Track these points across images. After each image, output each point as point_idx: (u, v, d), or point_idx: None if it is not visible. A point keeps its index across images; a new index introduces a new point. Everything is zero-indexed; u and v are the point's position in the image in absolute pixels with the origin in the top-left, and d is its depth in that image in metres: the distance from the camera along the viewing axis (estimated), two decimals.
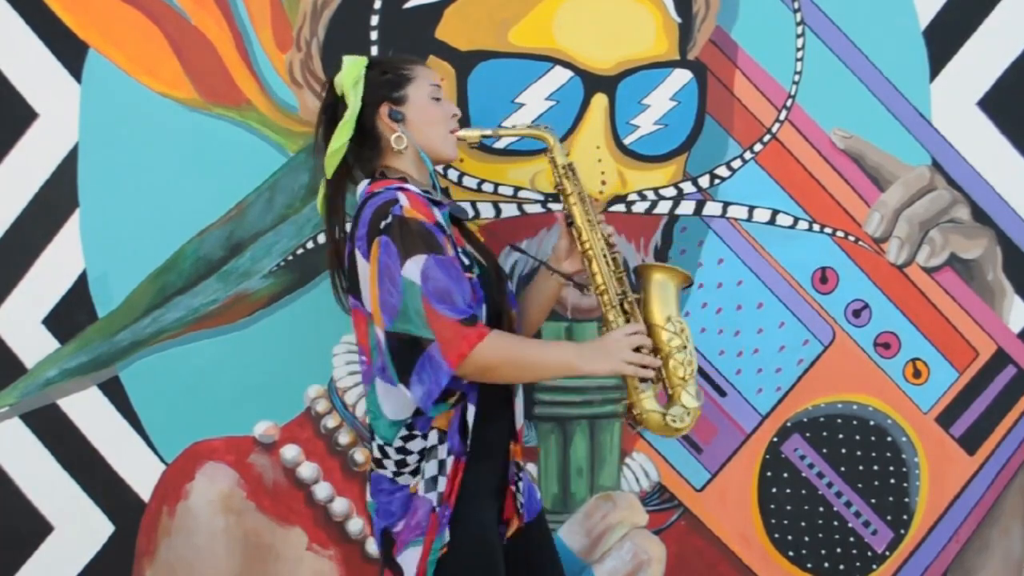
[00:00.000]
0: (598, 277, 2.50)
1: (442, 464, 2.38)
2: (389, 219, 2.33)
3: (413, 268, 2.29)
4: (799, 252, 3.01)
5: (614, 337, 2.40)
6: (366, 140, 2.50)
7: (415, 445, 2.40)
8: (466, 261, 2.41)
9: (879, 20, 2.97)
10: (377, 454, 2.45)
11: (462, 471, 2.39)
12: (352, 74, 2.50)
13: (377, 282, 2.33)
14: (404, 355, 2.31)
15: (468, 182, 2.96)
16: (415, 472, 2.40)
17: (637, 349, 2.39)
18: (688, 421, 2.46)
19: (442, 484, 2.37)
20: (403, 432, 2.40)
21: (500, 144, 2.91)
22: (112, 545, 3.06)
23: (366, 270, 2.36)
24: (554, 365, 2.37)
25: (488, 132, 2.56)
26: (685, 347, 2.47)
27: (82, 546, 3.06)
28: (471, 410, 2.39)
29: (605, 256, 2.51)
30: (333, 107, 2.54)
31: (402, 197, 2.37)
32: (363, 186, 2.48)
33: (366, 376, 2.45)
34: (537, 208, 2.96)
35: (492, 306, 2.42)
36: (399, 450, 2.41)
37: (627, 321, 2.47)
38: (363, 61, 2.52)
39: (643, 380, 2.42)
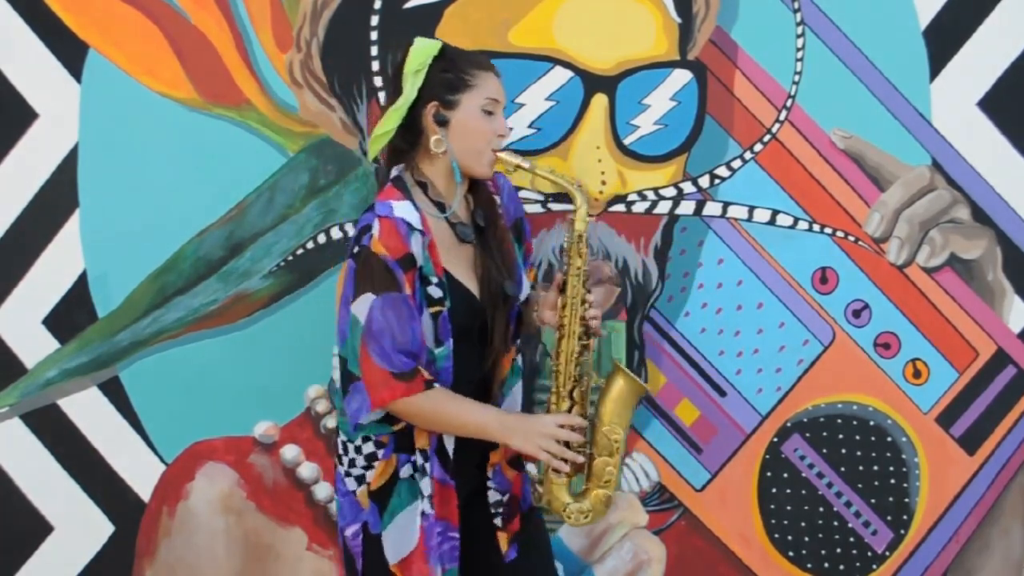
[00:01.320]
0: (561, 357, 2.46)
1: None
2: (357, 249, 2.34)
3: (361, 307, 2.32)
4: (799, 252, 3.01)
5: (544, 422, 2.39)
6: (408, 131, 2.42)
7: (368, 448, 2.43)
8: (436, 294, 2.36)
9: (879, 20, 2.97)
10: (340, 450, 2.47)
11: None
12: (416, 61, 2.40)
13: (339, 304, 2.38)
14: (343, 376, 2.39)
15: None
16: (360, 480, 2.42)
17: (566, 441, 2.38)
18: (584, 521, 2.46)
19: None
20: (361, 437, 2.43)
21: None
22: (112, 545, 3.06)
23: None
24: (473, 430, 2.37)
25: (525, 165, 2.42)
26: (613, 456, 2.45)
27: (82, 546, 3.07)
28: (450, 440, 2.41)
29: (577, 339, 2.46)
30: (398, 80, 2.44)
31: (376, 227, 2.33)
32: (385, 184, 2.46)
33: None
34: (537, 208, 2.96)
35: (466, 334, 2.39)
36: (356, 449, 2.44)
37: (570, 409, 2.45)
38: (433, 49, 2.41)
39: (556, 471, 2.40)
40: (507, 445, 2.38)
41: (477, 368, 2.44)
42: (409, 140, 2.43)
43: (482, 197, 2.50)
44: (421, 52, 2.40)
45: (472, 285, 2.43)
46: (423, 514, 2.37)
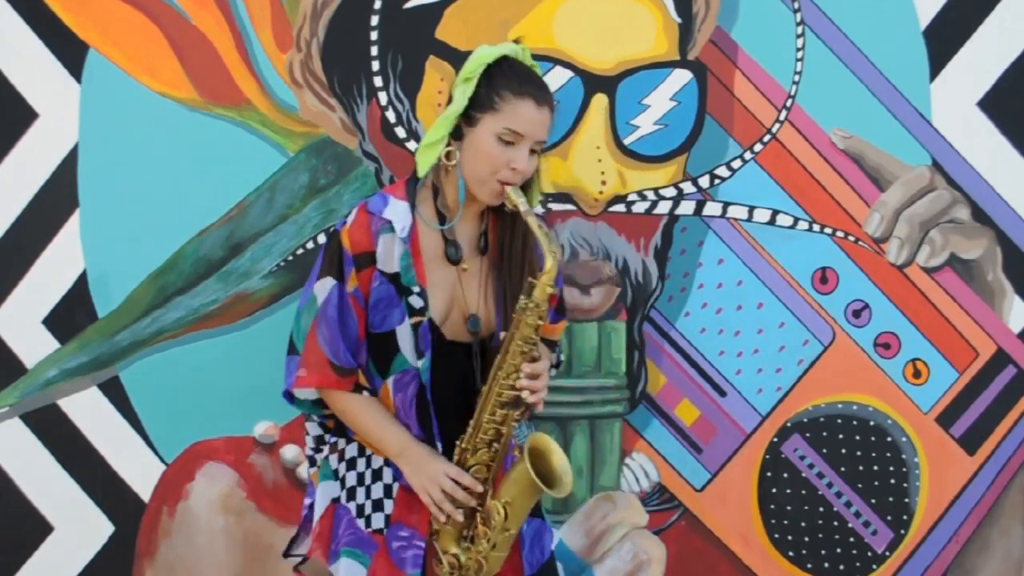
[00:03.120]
0: (482, 414, 2.32)
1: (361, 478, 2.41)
2: (333, 229, 2.37)
3: (321, 287, 2.35)
4: (799, 252, 3.01)
5: (436, 467, 2.31)
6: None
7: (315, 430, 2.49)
8: (417, 304, 2.33)
9: (879, 20, 2.97)
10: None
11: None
12: (469, 68, 2.33)
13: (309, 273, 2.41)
14: (289, 344, 2.44)
15: None
16: (312, 462, 2.46)
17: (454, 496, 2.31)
18: (446, 572, 2.35)
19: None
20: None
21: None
22: (112, 545, 3.06)
23: None
24: (377, 445, 2.37)
25: (521, 208, 2.29)
26: (493, 531, 2.31)
27: (82, 546, 3.06)
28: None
29: (499, 405, 2.32)
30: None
31: (353, 215, 2.34)
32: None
33: None
34: (537, 208, 2.96)
35: (445, 355, 2.35)
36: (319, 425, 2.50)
37: (470, 468, 2.33)
38: (488, 58, 2.32)
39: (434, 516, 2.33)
40: (403, 471, 2.34)
41: (460, 388, 2.38)
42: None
43: (506, 226, 2.42)
44: (476, 60, 2.33)
45: (440, 305, 2.37)
46: (336, 499, 2.39)
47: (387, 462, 2.38)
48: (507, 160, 2.30)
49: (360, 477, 2.40)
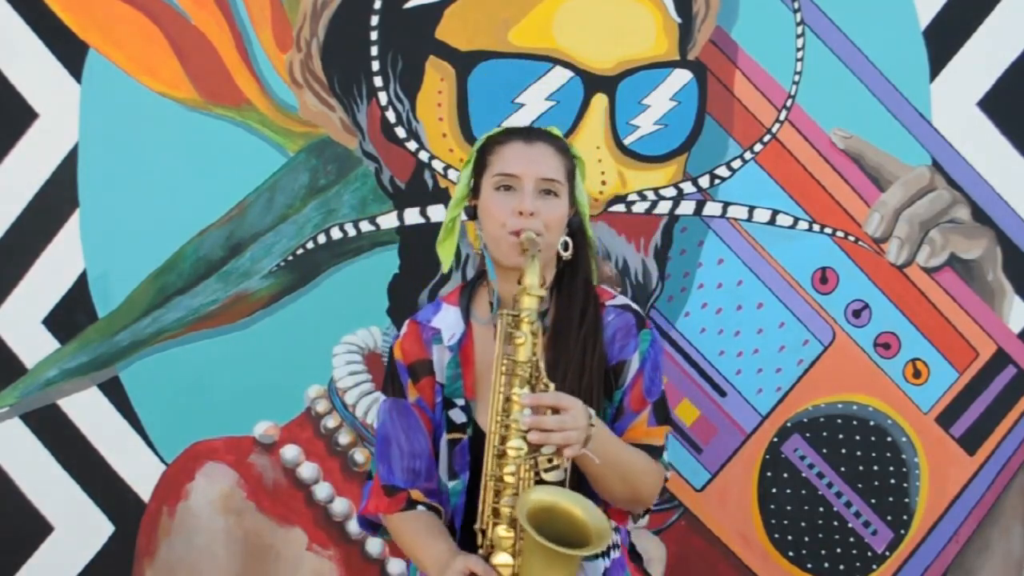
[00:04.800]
0: (487, 481, 2.01)
1: None
2: (390, 347, 2.23)
3: (382, 407, 2.21)
4: (799, 252, 3.01)
5: (455, 568, 1.97)
6: None
7: None
8: (459, 419, 2.13)
9: (879, 20, 2.97)
10: None
11: None
12: (470, 153, 2.21)
13: None
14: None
15: None
16: None
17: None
18: None
19: None
20: None
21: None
22: (112, 545, 3.06)
23: None
24: (422, 569, 2.10)
25: (528, 250, 2.05)
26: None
27: (82, 546, 3.06)
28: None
29: (498, 444, 2.01)
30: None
31: (404, 329, 2.20)
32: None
33: None
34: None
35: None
36: None
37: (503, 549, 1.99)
38: (483, 137, 2.18)
39: None
40: None
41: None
42: None
43: (570, 310, 2.14)
44: (477, 143, 2.21)
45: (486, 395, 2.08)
46: None
47: None
48: (511, 207, 2.10)
49: None
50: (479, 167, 2.17)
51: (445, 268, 2.28)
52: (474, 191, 2.19)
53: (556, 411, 1.93)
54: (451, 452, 2.12)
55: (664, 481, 2.17)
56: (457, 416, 2.13)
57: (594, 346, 2.09)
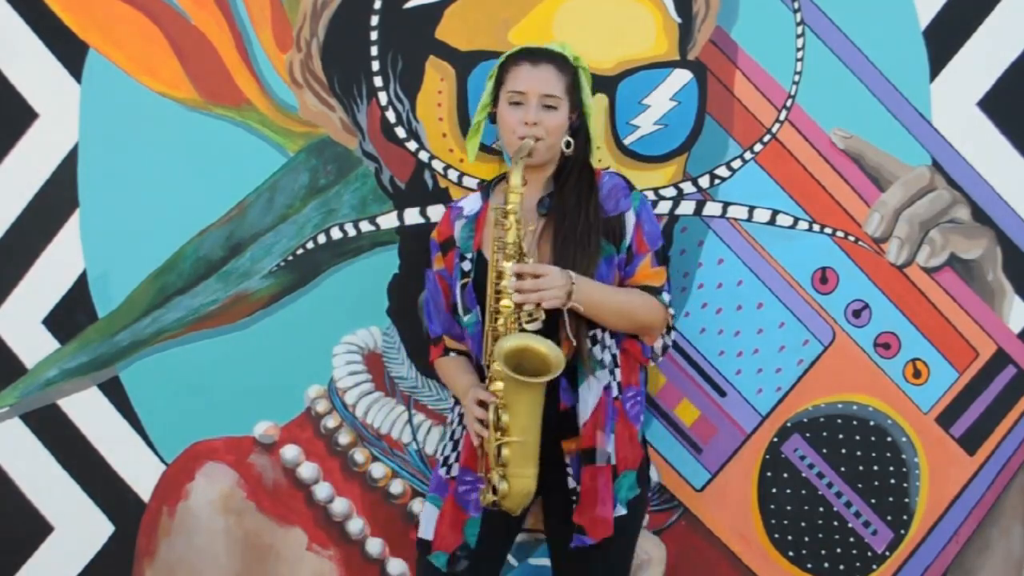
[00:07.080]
0: (488, 327, 2.54)
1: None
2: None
3: (426, 275, 2.76)
4: (799, 252, 3.01)
5: (470, 393, 2.54)
6: None
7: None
8: (466, 267, 2.63)
9: (879, 20, 2.97)
10: None
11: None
12: (491, 71, 2.68)
13: None
14: None
15: (468, 182, 2.96)
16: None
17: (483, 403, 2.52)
18: (489, 500, 2.49)
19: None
20: None
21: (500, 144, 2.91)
22: (112, 545, 3.06)
23: None
24: (456, 393, 2.67)
25: (512, 157, 2.55)
26: (505, 452, 2.47)
27: (82, 546, 3.07)
28: None
29: (496, 315, 2.52)
30: None
31: (442, 214, 2.76)
32: None
33: None
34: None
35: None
36: None
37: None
38: (507, 55, 2.65)
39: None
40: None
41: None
42: None
43: (567, 186, 2.62)
44: (498, 61, 2.66)
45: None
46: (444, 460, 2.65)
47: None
48: (519, 119, 2.57)
49: (447, 430, 2.72)
50: (498, 82, 2.64)
51: (470, 160, 2.76)
52: (495, 100, 2.65)
53: (536, 277, 2.45)
54: (463, 294, 2.61)
55: (670, 318, 2.65)
56: (465, 266, 2.63)
57: (588, 199, 2.61)
